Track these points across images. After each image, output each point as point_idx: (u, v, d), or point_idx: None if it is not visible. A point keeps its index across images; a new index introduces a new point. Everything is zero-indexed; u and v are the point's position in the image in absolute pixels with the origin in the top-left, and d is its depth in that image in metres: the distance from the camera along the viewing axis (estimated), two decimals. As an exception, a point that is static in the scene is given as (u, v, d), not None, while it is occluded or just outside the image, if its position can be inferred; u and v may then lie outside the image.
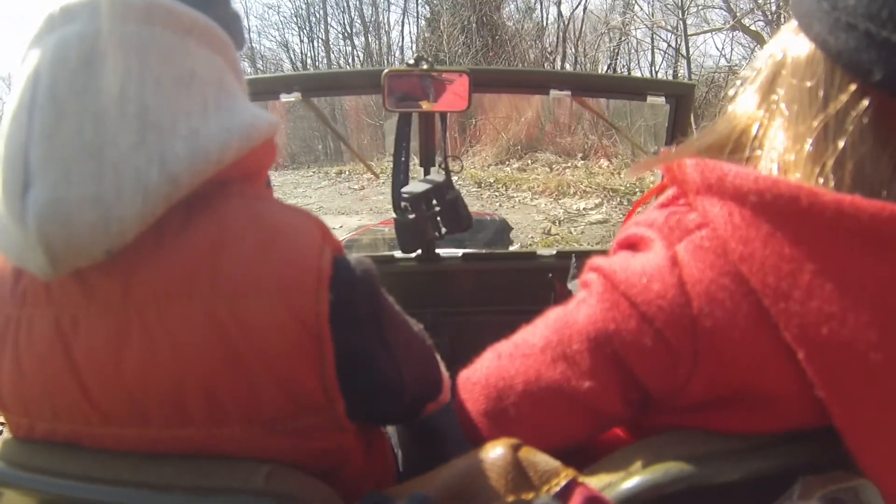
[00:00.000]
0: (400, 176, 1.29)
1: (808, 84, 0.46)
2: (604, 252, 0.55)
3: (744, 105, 0.52)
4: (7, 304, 0.51)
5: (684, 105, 1.32)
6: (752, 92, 0.51)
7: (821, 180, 0.43)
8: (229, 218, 0.49)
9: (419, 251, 1.43)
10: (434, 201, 1.29)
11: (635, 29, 10.02)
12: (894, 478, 0.44)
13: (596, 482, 0.48)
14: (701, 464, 0.46)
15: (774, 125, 0.48)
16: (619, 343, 0.48)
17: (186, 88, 0.47)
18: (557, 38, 10.64)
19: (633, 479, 0.46)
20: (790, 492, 0.46)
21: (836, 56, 0.43)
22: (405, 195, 1.26)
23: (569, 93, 1.30)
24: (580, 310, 0.51)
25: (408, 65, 1.15)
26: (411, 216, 1.27)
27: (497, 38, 10.57)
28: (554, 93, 1.30)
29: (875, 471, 0.44)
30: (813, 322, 0.41)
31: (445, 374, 0.71)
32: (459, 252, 1.52)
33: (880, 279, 0.41)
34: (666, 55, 10.03)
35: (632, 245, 0.51)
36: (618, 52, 10.11)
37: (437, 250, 1.46)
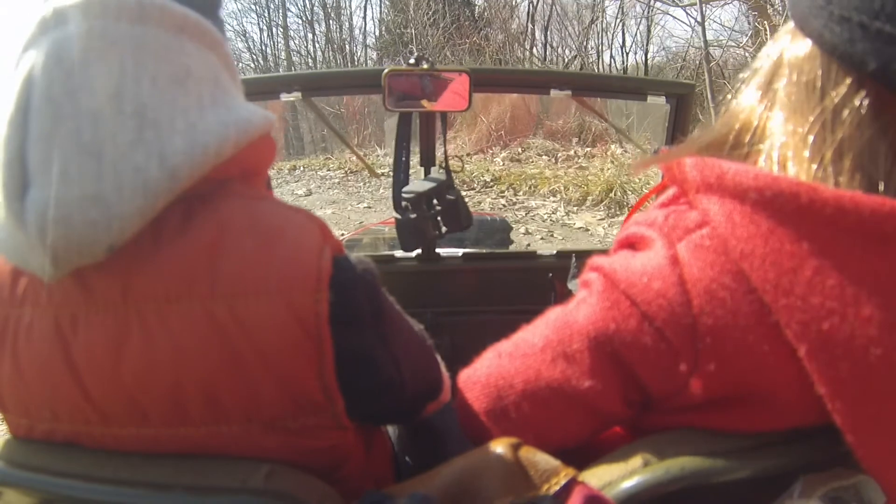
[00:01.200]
0: (400, 175, 1.29)
1: (806, 79, 0.46)
2: (604, 251, 0.55)
3: (743, 103, 0.52)
4: (6, 304, 0.51)
5: (684, 104, 1.32)
6: (751, 90, 0.52)
7: (820, 173, 0.43)
8: (229, 217, 0.49)
9: (419, 251, 1.43)
10: (434, 200, 1.29)
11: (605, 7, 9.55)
12: (895, 474, 0.44)
13: (596, 481, 0.48)
14: (701, 463, 0.46)
15: (773, 121, 0.48)
16: (619, 342, 0.48)
17: (182, 85, 0.47)
18: (527, 20, 10.22)
19: (633, 479, 0.46)
20: (791, 490, 0.46)
21: (832, 49, 0.44)
22: (406, 195, 1.26)
23: (569, 92, 1.30)
24: (580, 309, 0.51)
25: (408, 64, 1.15)
26: (412, 216, 1.27)
27: (466, 17, 10.19)
28: (554, 92, 1.31)
29: (876, 467, 0.44)
30: (814, 318, 0.41)
31: (445, 373, 0.71)
32: (460, 252, 1.52)
33: (881, 275, 0.41)
34: (637, 35, 9.73)
35: (632, 244, 0.51)
36: (588, 35, 9.73)
37: (438, 250, 1.46)
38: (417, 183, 1.29)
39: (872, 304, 0.41)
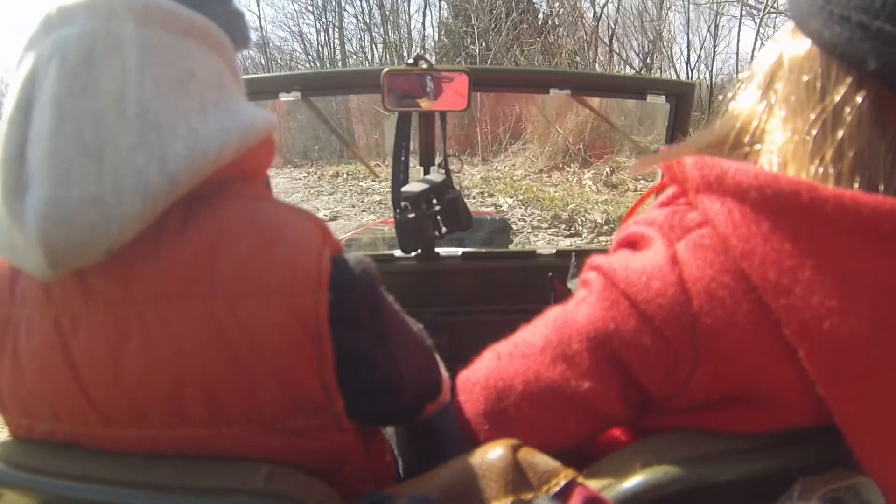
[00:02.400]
0: (400, 175, 1.29)
1: (806, 78, 0.46)
2: (603, 251, 0.55)
3: (743, 103, 0.52)
4: (6, 304, 0.51)
5: (684, 104, 1.32)
6: (751, 90, 0.52)
7: (820, 172, 0.44)
8: (228, 218, 0.49)
9: (419, 250, 1.43)
10: (434, 200, 1.29)
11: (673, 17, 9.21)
12: (895, 474, 0.44)
13: (595, 483, 0.48)
14: (701, 464, 0.46)
15: (773, 121, 0.48)
16: (619, 342, 0.48)
17: (185, 89, 0.47)
18: (594, 30, 9.73)
19: (632, 480, 0.46)
20: (790, 491, 0.46)
21: (832, 49, 0.44)
22: (405, 194, 1.26)
23: (569, 92, 1.30)
24: (580, 309, 0.51)
25: (407, 64, 1.15)
26: (411, 215, 1.27)
27: (529, 24, 9.79)
28: (554, 92, 1.30)
29: (875, 467, 0.44)
30: (814, 317, 0.41)
31: (445, 374, 0.71)
32: (459, 251, 1.52)
33: (881, 274, 0.41)
34: (703, 50, 9.51)
35: (632, 244, 0.51)
36: (654, 49, 9.44)
37: (437, 249, 1.46)
38: (416, 183, 1.29)
39: (873, 304, 0.41)
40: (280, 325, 0.47)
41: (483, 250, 1.70)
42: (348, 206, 6.38)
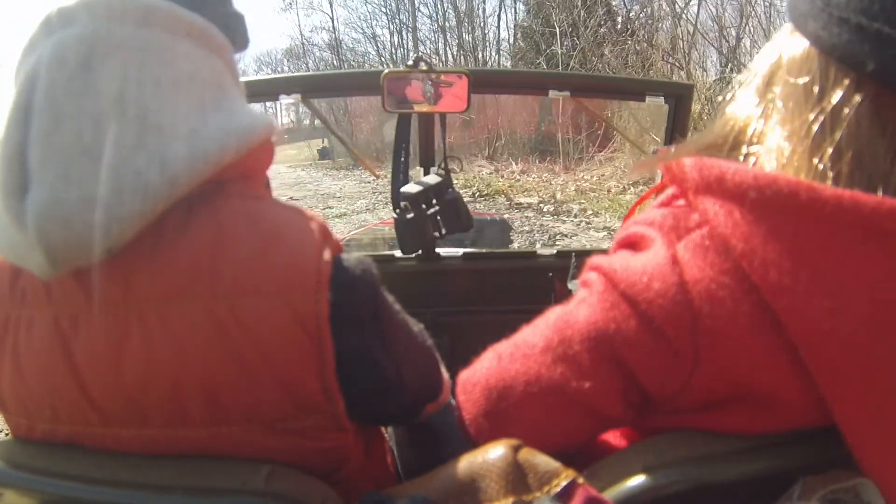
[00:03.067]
0: (399, 176, 1.30)
1: (804, 80, 0.46)
2: (604, 251, 0.55)
3: (741, 105, 0.52)
4: (6, 304, 0.51)
5: (683, 105, 1.32)
6: (749, 92, 0.52)
7: (819, 171, 0.44)
8: (228, 218, 0.49)
9: (419, 251, 1.43)
10: (434, 201, 1.29)
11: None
12: (895, 475, 0.44)
13: (596, 483, 0.48)
14: (701, 464, 0.46)
15: (772, 122, 0.48)
16: (619, 343, 0.48)
17: (185, 90, 0.47)
18: (673, 38, 9.40)
19: (633, 480, 0.46)
20: (790, 492, 0.46)
21: (830, 50, 0.44)
22: (404, 195, 1.27)
23: (568, 93, 1.30)
24: (580, 309, 0.51)
25: (407, 66, 1.16)
26: (410, 216, 1.27)
27: (608, 28, 9.59)
28: (553, 93, 1.31)
29: (876, 468, 0.44)
30: (815, 317, 0.41)
31: (445, 374, 0.71)
32: (460, 251, 1.52)
33: (882, 273, 0.41)
34: None
35: (632, 244, 0.51)
36: (730, 61, 9.02)
37: (438, 250, 1.46)
38: (416, 183, 1.29)
39: (873, 303, 0.41)
40: (280, 325, 0.47)
41: (484, 251, 1.70)
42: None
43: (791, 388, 0.45)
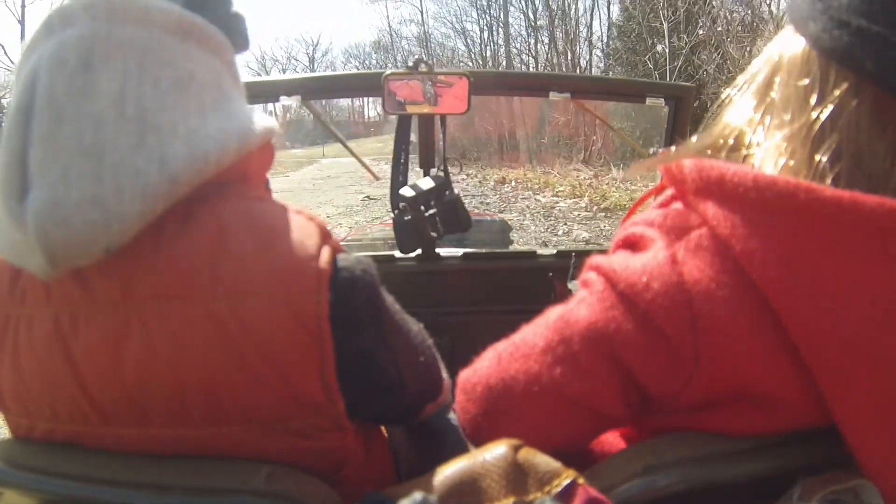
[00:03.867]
0: (399, 177, 1.30)
1: (803, 82, 0.46)
2: (603, 251, 0.55)
3: (741, 107, 0.52)
4: (6, 304, 0.51)
5: (683, 107, 1.33)
6: (748, 94, 0.52)
7: (820, 168, 0.44)
8: (229, 218, 0.49)
9: (418, 251, 1.43)
10: (433, 202, 1.29)
11: None
12: (895, 476, 0.44)
13: (597, 483, 0.48)
14: (701, 465, 0.46)
15: (771, 124, 0.49)
16: (619, 343, 0.48)
17: (185, 91, 0.47)
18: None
19: (633, 480, 0.46)
20: (790, 493, 0.46)
21: (830, 53, 0.44)
22: (403, 196, 1.27)
23: (568, 95, 1.30)
24: (580, 309, 0.51)
25: (407, 67, 1.16)
26: (408, 217, 1.27)
27: (708, 30, 9.26)
28: (553, 95, 1.31)
29: (876, 468, 0.44)
30: (815, 317, 0.41)
31: (445, 374, 0.71)
32: (460, 251, 1.52)
33: (881, 273, 0.41)
34: None
35: (631, 244, 0.51)
36: None
37: (438, 250, 1.47)
38: (415, 184, 1.29)
39: (874, 303, 0.41)
40: (281, 324, 0.47)
41: (483, 251, 1.70)
42: (530, 233, 4.49)
43: (791, 388, 0.45)
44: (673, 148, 0.55)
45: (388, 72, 1.18)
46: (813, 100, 0.46)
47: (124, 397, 0.48)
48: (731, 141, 0.51)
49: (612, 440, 0.60)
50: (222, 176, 0.49)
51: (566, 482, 0.46)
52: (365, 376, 0.54)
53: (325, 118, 1.65)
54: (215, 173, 0.47)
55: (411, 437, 0.83)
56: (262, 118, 0.53)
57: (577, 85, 1.35)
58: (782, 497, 0.46)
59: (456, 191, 1.33)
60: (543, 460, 0.48)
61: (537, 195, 5.47)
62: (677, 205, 0.51)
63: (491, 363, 0.57)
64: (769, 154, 0.47)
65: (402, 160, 1.30)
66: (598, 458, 0.53)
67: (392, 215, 1.31)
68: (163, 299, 0.47)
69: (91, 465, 0.50)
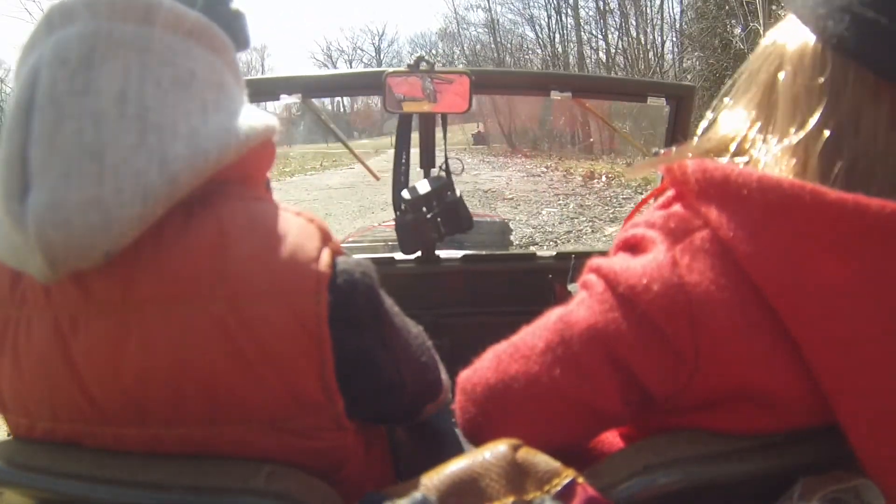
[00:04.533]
0: (400, 177, 1.30)
1: (815, 82, 0.45)
2: (603, 253, 0.55)
3: (744, 106, 0.52)
4: (6, 305, 0.51)
5: (684, 107, 1.32)
6: (753, 92, 0.51)
7: (834, 173, 0.43)
8: (229, 219, 0.49)
9: (419, 252, 1.43)
10: (434, 203, 1.29)
11: None
12: None
13: (597, 482, 0.48)
14: (701, 464, 0.46)
15: (776, 126, 0.48)
16: (619, 344, 0.48)
17: (186, 89, 0.47)
18: None
19: (633, 480, 0.46)
20: (791, 492, 0.46)
21: (850, 52, 0.43)
22: (405, 196, 1.27)
23: (569, 94, 1.30)
24: (580, 311, 0.51)
25: (408, 66, 1.16)
26: (410, 217, 1.27)
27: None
28: (554, 94, 1.31)
29: (877, 468, 0.44)
30: (817, 318, 0.41)
31: (445, 374, 0.71)
32: (459, 253, 1.52)
33: (884, 274, 0.41)
34: None
35: (632, 246, 0.51)
36: None
37: (437, 252, 1.46)
38: (417, 185, 1.29)
39: (876, 304, 0.41)
40: (281, 325, 0.47)
41: (483, 253, 1.70)
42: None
43: (792, 388, 0.45)
44: (674, 149, 0.55)
45: (389, 70, 1.18)
46: (826, 100, 0.45)
47: (124, 397, 0.48)
48: (734, 143, 0.51)
49: (611, 440, 0.60)
50: (222, 175, 0.49)
51: (565, 482, 0.46)
52: (364, 377, 0.54)
53: (327, 116, 1.65)
54: (215, 172, 0.47)
55: (411, 438, 0.83)
56: (264, 116, 0.53)
57: (578, 84, 1.35)
58: (782, 497, 0.46)
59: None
60: (543, 460, 0.48)
61: (639, 193, 4.75)
62: (678, 206, 0.51)
63: (491, 364, 0.57)
64: (776, 157, 0.47)
65: (404, 160, 1.30)
66: (597, 458, 0.52)
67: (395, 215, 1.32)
68: (163, 301, 0.47)
69: (91, 464, 0.50)
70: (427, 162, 1.39)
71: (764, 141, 0.49)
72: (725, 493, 0.46)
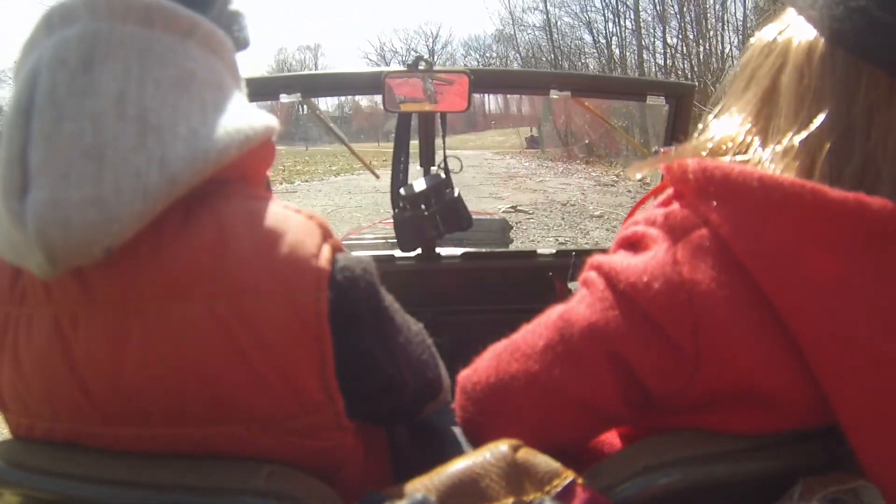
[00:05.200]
0: (399, 175, 1.30)
1: (822, 82, 0.45)
2: (604, 251, 0.55)
3: (744, 105, 0.52)
4: (6, 303, 0.51)
5: (684, 105, 1.32)
6: (754, 90, 0.51)
7: (826, 172, 0.43)
8: (229, 217, 0.49)
9: (419, 250, 1.43)
10: (433, 201, 1.29)
11: None
12: None
13: (597, 483, 0.48)
14: (701, 464, 0.46)
15: (779, 126, 0.48)
16: (619, 342, 0.48)
17: (186, 90, 0.47)
18: None
19: (633, 480, 0.46)
20: (791, 492, 0.46)
21: (864, 53, 0.43)
22: (404, 194, 1.27)
23: (569, 93, 1.30)
24: (580, 308, 0.51)
25: (407, 66, 1.16)
26: (409, 215, 1.27)
27: None
28: (554, 93, 1.31)
29: (877, 468, 0.44)
30: (818, 317, 0.41)
31: (445, 373, 0.71)
32: (460, 251, 1.52)
33: (885, 274, 0.41)
34: None
35: (632, 244, 0.51)
36: None
37: (438, 249, 1.47)
38: (415, 182, 1.30)
39: (877, 303, 0.41)
40: (282, 323, 0.47)
41: (483, 250, 1.70)
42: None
43: (792, 387, 0.45)
44: (674, 147, 0.55)
45: (389, 70, 1.18)
46: (835, 101, 0.44)
47: (124, 397, 0.48)
48: (734, 142, 0.51)
49: (611, 440, 0.60)
50: (222, 174, 0.49)
51: (566, 482, 0.46)
52: (364, 375, 0.54)
53: (327, 116, 1.65)
54: (215, 171, 0.47)
55: (411, 437, 0.83)
56: (263, 116, 0.53)
57: (577, 83, 1.35)
58: (782, 497, 0.46)
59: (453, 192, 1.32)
60: (543, 460, 0.48)
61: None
62: (678, 204, 0.51)
63: (491, 362, 0.57)
64: (779, 157, 0.46)
65: (403, 158, 1.30)
66: (597, 458, 0.52)
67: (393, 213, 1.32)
68: (163, 299, 0.47)
69: (91, 464, 0.50)
70: (426, 161, 1.39)
71: (765, 140, 0.49)
72: (725, 494, 0.46)
